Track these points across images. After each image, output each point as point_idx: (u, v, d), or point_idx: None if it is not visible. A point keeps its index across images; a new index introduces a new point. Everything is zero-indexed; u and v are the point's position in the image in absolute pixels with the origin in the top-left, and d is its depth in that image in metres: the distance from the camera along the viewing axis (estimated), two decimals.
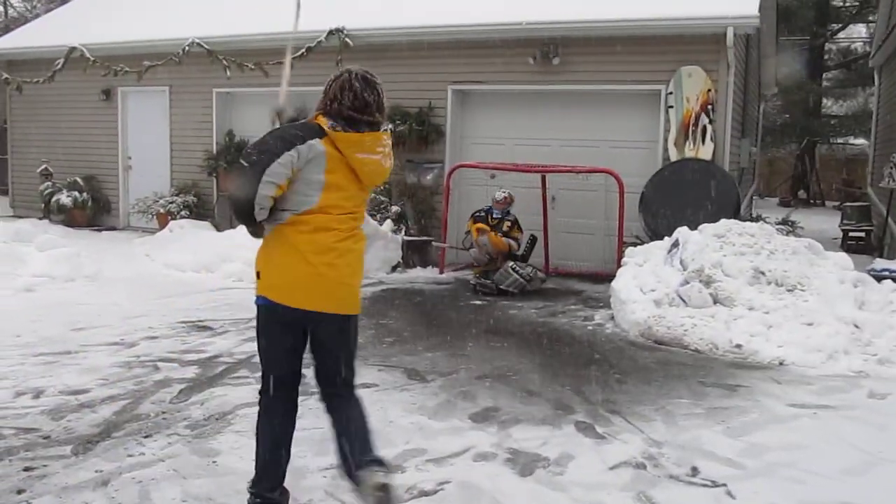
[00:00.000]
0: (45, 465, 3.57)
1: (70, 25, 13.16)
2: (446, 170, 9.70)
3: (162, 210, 11.47)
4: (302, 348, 3.10)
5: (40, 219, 12.55)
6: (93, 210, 12.53)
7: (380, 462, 2.95)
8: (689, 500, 3.41)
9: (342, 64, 9.87)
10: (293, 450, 3.80)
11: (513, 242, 8.42)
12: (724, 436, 4.19)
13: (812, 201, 21.54)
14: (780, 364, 5.60)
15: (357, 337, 3.19)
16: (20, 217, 12.94)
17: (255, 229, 3.02)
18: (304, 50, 10.23)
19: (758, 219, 8.14)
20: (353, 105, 2.98)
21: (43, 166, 12.75)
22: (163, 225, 11.19)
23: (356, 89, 2.99)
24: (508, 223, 8.46)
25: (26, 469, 3.53)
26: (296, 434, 4.01)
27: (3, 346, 5.60)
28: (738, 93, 9.88)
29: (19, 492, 3.31)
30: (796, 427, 4.36)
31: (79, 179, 12.47)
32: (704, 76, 8.48)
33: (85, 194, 12.40)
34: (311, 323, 3.01)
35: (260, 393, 3.19)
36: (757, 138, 14.13)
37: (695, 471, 3.71)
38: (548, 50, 9.10)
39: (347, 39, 9.98)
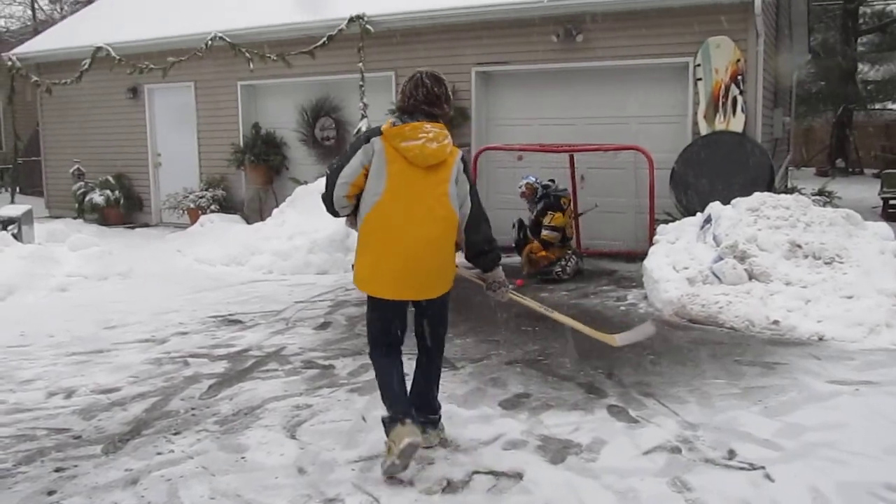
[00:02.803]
0: (75, 466, 3.59)
1: (95, 26, 13.28)
2: (472, 153, 9.60)
3: (192, 205, 11.56)
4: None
5: (74, 218, 12.76)
6: (125, 208, 12.67)
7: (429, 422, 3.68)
8: (725, 484, 3.31)
9: (364, 52, 9.92)
10: (321, 443, 3.81)
11: (547, 233, 7.89)
12: (762, 416, 4.07)
13: (850, 170, 20.99)
14: (820, 339, 5.44)
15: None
16: (56, 217, 13.16)
17: (347, 222, 3.61)
18: (325, 39, 10.19)
19: (793, 190, 7.91)
20: (427, 99, 3.43)
21: (75, 166, 12.92)
22: (193, 220, 11.29)
23: (427, 85, 3.44)
24: (549, 214, 7.91)
25: (57, 470, 3.56)
26: (322, 426, 4.03)
27: (37, 346, 5.67)
28: (770, 62, 9.60)
29: (50, 493, 3.33)
30: (836, 405, 4.22)
31: (110, 178, 12.62)
32: (733, 46, 8.24)
33: (117, 192, 12.54)
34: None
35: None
36: (791, 107, 13.76)
37: (731, 454, 3.61)
38: (571, 27, 8.93)
39: (368, 26, 9.90)
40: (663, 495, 3.22)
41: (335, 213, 3.51)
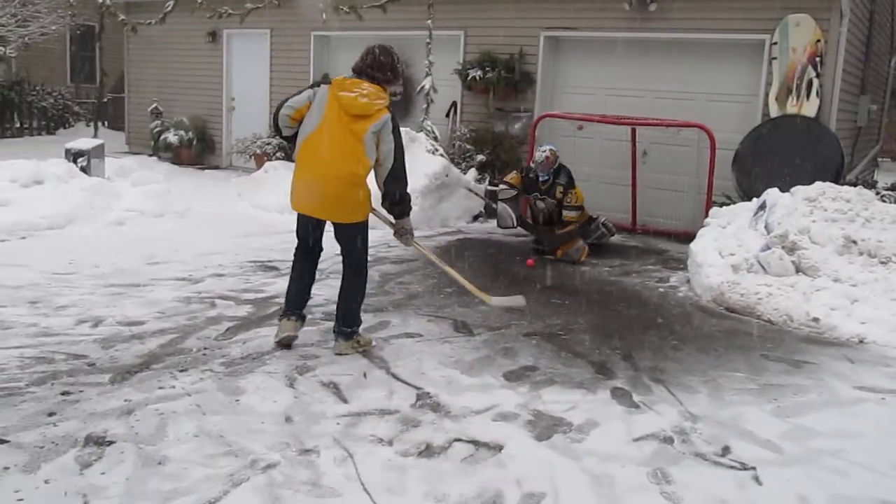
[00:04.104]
0: (81, 391, 3.75)
1: None
2: (534, 118, 9.42)
3: (258, 151, 11.77)
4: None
5: (150, 155, 13.21)
6: (198, 149, 13.02)
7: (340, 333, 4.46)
8: (708, 482, 3.18)
9: (433, 9, 9.79)
10: (315, 394, 3.87)
11: (572, 214, 7.38)
12: (771, 415, 3.90)
13: None
14: (860, 342, 5.16)
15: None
16: (135, 154, 13.67)
17: (286, 141, 4.42)
18: None
19: (857, 183, 7.44)
20: (372, 64, 4.21)
21: (153, 105, 13.32)
22: (259, 165, 11.47)
23: (375, 53, 4.23)
24: (560, 188, 7.36)
25: (63, 393, 3.71)
26: (322, 378, 4.08)
27: (80, 275, 5.93)
28: (858, 44, 9.02)
29: (50, 414, 3.48)
30: (856, 412, 4.00)
31: (185, 119, 12.97)
32: (814, 25, 7.76)
33: (190, 133, 12.89)
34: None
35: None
36: (885, 95, 12.94)
37: (726, 450, 3.47)
38: None
39: None
40: (640, 485, 3.13)
41: (279, 131, 4.35)
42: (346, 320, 4.45)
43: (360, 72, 4.22)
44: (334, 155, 4.09)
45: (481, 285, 6.27)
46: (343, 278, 4.50)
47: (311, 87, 4.30)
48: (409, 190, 4.38)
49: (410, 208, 4.44)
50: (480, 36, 10.02)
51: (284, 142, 4.61)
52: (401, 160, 4.23)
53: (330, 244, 4.59)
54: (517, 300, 4.98)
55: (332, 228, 4.40)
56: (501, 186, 7.66)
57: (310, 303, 5.46)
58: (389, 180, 4.25)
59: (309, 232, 4.42)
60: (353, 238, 4.36)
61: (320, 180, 4.15)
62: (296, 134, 4.28)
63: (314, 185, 4.18)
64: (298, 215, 4.41)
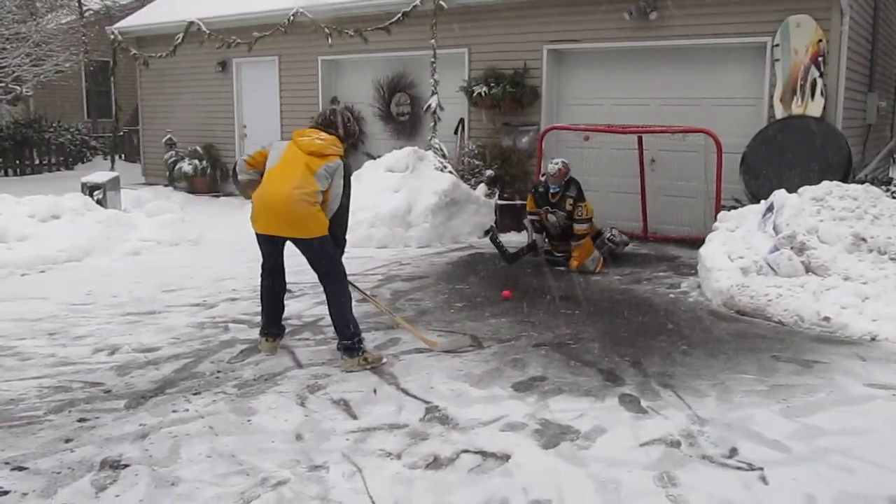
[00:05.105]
0: (97, 417, 3.84)
1: (189, 0, 13.78)
2: (540, 132, 9.48)
3: None
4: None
5: (165, 186, 13.42)
6: (212, 177, 13.21)
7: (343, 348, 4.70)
8: (715, 483, 3.20)
9: (437, 28, 9.92)
10: (326, 412, 3.93)
11: (583, 227, 7.41)
12: (780, 416, 3.90)
13: None
14: (872, 339, 5.14)
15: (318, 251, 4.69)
16: (150, 185, 13.90)
17: (239, 187, 5.09)
18: (399, 15, 10.26)
19: (866, 181, 7.41)
20: (322, 122, 4.84)
21: (167, 136, 13.56)
22: None
23: (326, 114, 4.90)
24: (570, 200, 7.39)
25: (80, 420, 3.81)
26: (333, 396, 4.13)
27: (99, 305, 6.05)
28: (862, 41, 9.01)
29: (67, 440, 3.58)
30: (866, 409, 3.99)
31: (199, 148, 13.18)
32: (815, 26, 7.76)
33: (205, 162, 13.09)
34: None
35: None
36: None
37: (733, 452, 3.48)
38: (644, 4, 8.64)
39: (442, 2, 9.87)
40: (645, 489, 3.15)
41: (235, 175, 5.02)
42: (341, 332, 4.68)
43: (316, 126, 4.83)
44: (286, 178, 4.54)
45: (490, 298, 6.38)
46: (325, 293, 4.81)
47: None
48: (346, 236, 5.01)
49: (342, 253, 4.93)
50: (484, 52, 10.13)
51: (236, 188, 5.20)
52: (345, 205, 4.76)
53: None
54: (462, 340, 5.11)
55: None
56: (531, 218, 7.80)
57: (321, 323, 5.63)
58: (333, 223, 4.70)
59: (270, 251, 4.88)
60: (313, 252, 4.70)
61: (271, 198, 4.57)
62: (250, 182, 4.87)
63: (267, 203, 4.59)
64: (257, 238, 4.80)
